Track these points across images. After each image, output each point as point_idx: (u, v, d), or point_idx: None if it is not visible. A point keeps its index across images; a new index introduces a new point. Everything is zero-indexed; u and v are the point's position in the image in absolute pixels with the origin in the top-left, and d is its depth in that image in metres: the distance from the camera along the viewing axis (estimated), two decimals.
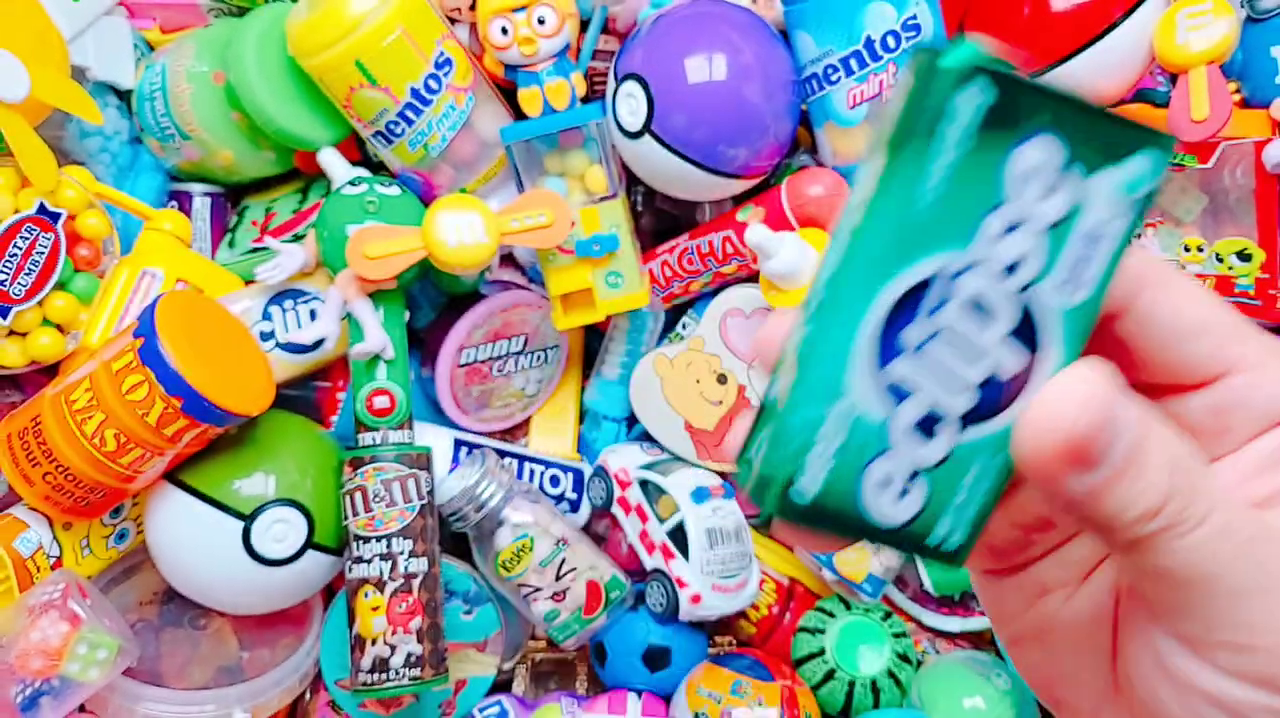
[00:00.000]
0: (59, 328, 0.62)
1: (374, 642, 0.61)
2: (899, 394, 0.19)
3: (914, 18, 0.64)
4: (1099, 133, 0.18)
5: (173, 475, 0.62)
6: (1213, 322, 0.21)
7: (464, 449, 0.73)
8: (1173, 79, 0.72)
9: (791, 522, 0.20)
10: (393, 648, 0.61)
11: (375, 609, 0.62)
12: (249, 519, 0.62)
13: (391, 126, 0.64)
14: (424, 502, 0.63)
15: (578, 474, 0.76)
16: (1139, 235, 0.17)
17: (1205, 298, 0.21)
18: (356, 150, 0.72)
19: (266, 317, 0.67)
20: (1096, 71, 0.70)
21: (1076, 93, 0.18)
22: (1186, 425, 0.21)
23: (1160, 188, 0.19)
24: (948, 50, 0.18)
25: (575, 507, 0.76)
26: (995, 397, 0.19)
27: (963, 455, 0.19)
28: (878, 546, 0.20)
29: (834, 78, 0.65)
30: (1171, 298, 0.21)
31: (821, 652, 0.71)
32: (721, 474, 0.74)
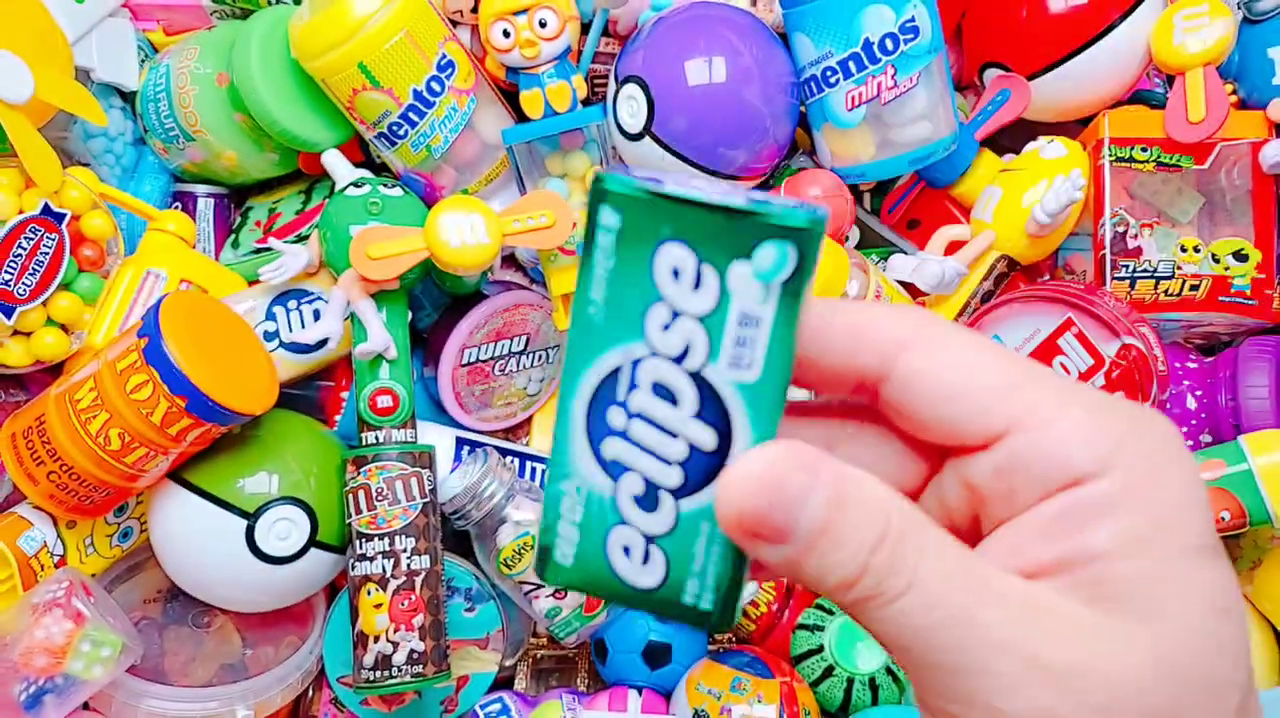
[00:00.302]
0: (63, 328, 0.62)
1: (376, 639, 0.62)
2: (616, 471, 0.21)
3: (912, 20, 0.64)
4: (722, 232, 0.20)
5: (177, 474, 0.63)
6: (981, 381, 0.21)
7: (466, 448, 0.73)
8: (1170, 80, 0.72)
9: (565, 586, 0.22)
10: (395, 645, 0.62)
11: (378, 607, 0.62)
12: (253, 517, 0.62)
13: (394, 128, 0.64)
14: (426, 500, 0.64)
15: None
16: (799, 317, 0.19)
17: (975, 356, 0.21)
18: (359, 152, 0.72)
19: (270, 317, 0.67)
20: (1093, 73, 0.70)
21: (701, 197, 0.20)
22: (973, 488, 0.21)
23: (808, 270, 0.20)
24: (607, 177, 0.20)
25: None
26: (701, 470, 0.21)
27: (687, 524, 0.21)
28: (641, 612, 0.22)
29: (832, 80, 0.66)
30: (934, 359, 0.21)
31: (820, 649, 0.71)
32: None
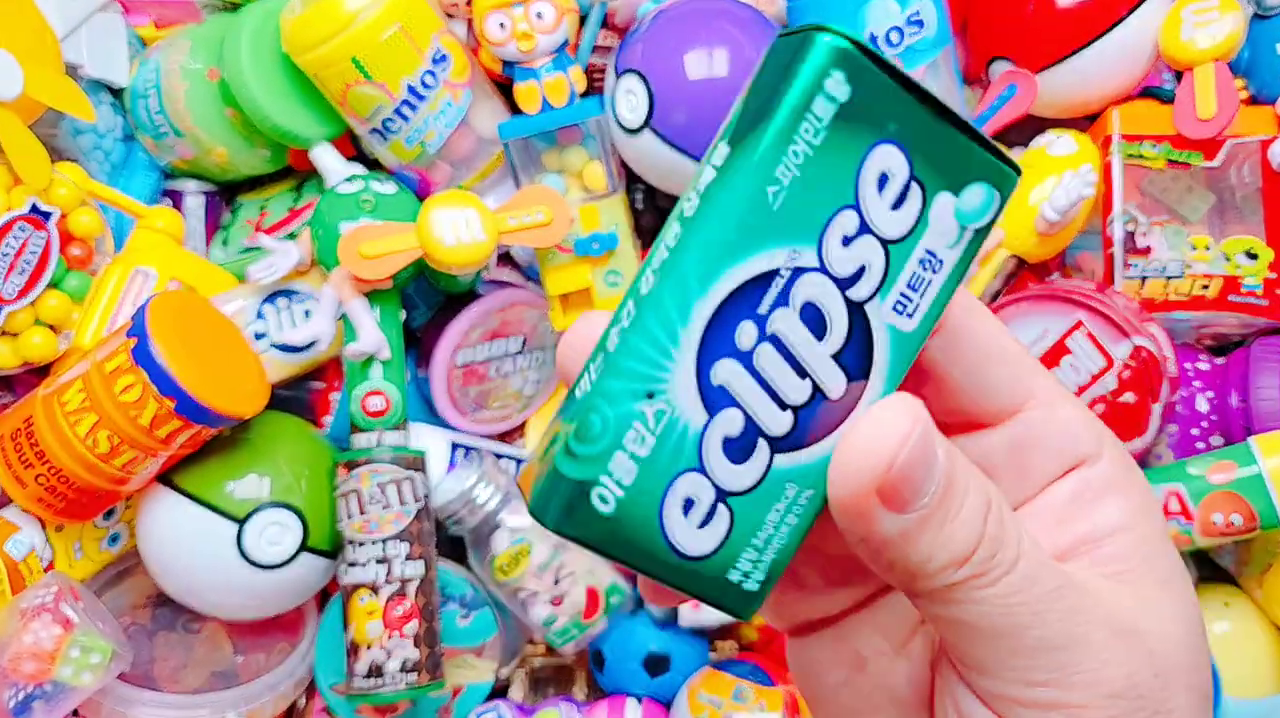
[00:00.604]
0: (51, 328, 0.62)
1: (369, 647, 0.61)
2: (718, 402, 0.17)
3: (917, 13, 0.63)
4: (946, 153, 0.18)
5: (165, 477, 0.62)
6: (1014, 350, 0.21)
7: (461, 451, 0.72)
8: (1178, 76, 0.71)
9: (579, 537, 0.18)
10: (388, 653, 0.61)
11: (370, 614, 0.61)
12: (242, 522, 0.61)
13: (388, 123, 0.64)
14: (420, 505, 0.63)
15: None
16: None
17: (1004, 328, 0.21)
18: (352, 147, 0.71)
19: (260, 316, 0.67)
20: (1101, 68, 0.69)
21: (944, 105, 0.17)
22: (987, 468, 0.21)
23: (991, 224, 0.18)
24: (811, 35, 0.17)
25: None
26: (811, 422, 0.18)
27: (773, 484, 0.18)
28: (670, 585, 0.18)
29: None
30: (983, 321, 0.21)
31: None
32: None
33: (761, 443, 0.18)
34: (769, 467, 0.18)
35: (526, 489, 0.19)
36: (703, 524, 0.18)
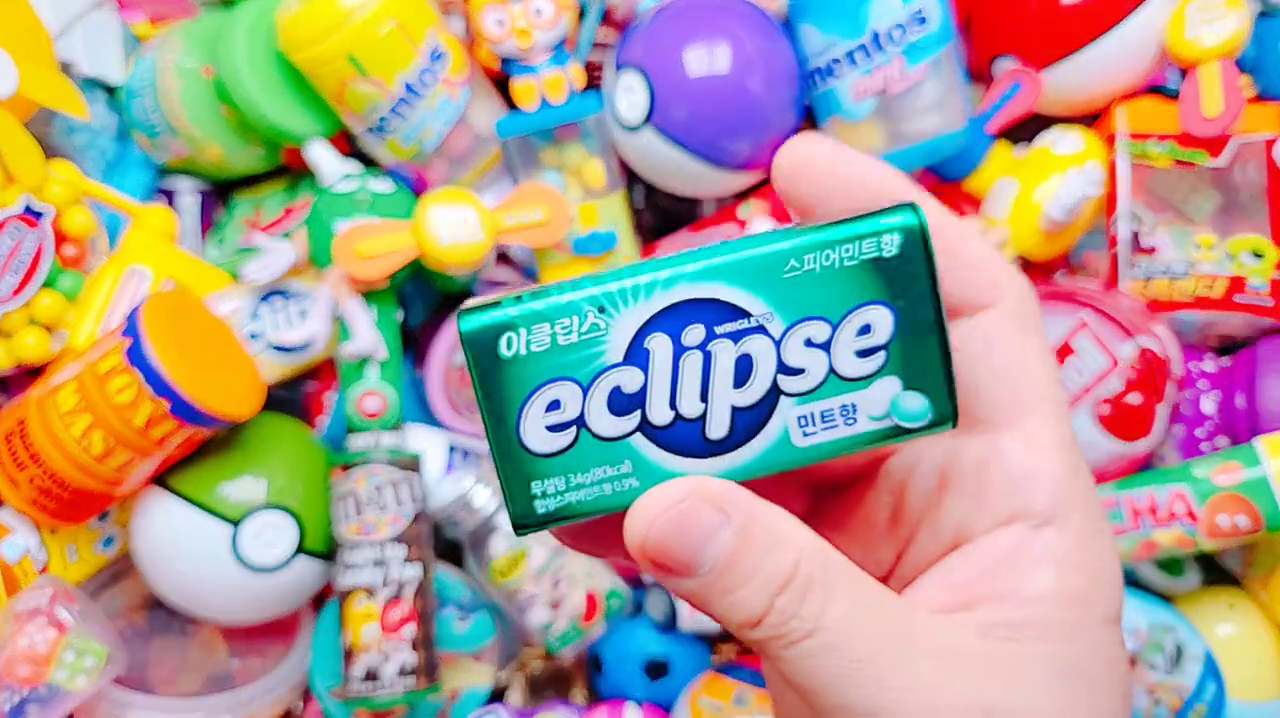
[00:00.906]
0: (46, 328, 0.61)
1: (366, 650, 0.61)
2: (636, 358, 0.20)
3: (920, 10, 0.63)
4: (927, 356, 0.20)
5: (159, 479, 0.62)
6: (1019, 370, 0.21)
7: (458, 453, 0.72)
8: (1184, 74, 0.71)
9: (469, 352, 0.20)
10: (385, 657, 0.61)
11: (367, 617, 0.61)
12: (237, 524, 0.61)
13: (384, 121, 0.63)
14: (417, 507, 0.63)
15: None
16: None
17: (1034, 342, 0.21)
18: (348, 145, 0.71)
19: (256, 316, 0.66)
20: (1106, 66, 0.69)
21: (947, 328, 0.20)
22: (953, 471, 0.22)
23: (910, 432, 0.20)
24: (907, 205, 0.20)
25: None
26: (679, 436, 0.20)
27: (619, 450, 0.20)
28: (490, 443, 0.21)
29: (839, 70, 0.65)
30: (1003, 325, 0.21)
31: None
32: None
33: (636, 413, 0.20)
34: (626, 435, 0.20)
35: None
36: (552, 428, 0.20)
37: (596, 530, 0.22)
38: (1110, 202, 0.70)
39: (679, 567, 0.19)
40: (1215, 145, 0.69)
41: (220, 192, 0.75)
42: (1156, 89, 0.73)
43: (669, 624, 0.70)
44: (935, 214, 0.21)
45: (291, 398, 0.71)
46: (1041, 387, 0.21)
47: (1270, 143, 0.69)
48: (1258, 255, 0.69)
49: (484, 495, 0.67)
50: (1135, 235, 0.69)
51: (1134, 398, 0.64)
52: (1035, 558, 0.21)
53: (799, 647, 0.19)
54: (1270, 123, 0.69)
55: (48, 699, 0.58)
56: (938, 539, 0.22)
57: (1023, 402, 0.21)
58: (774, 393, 0.20)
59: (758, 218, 0.68)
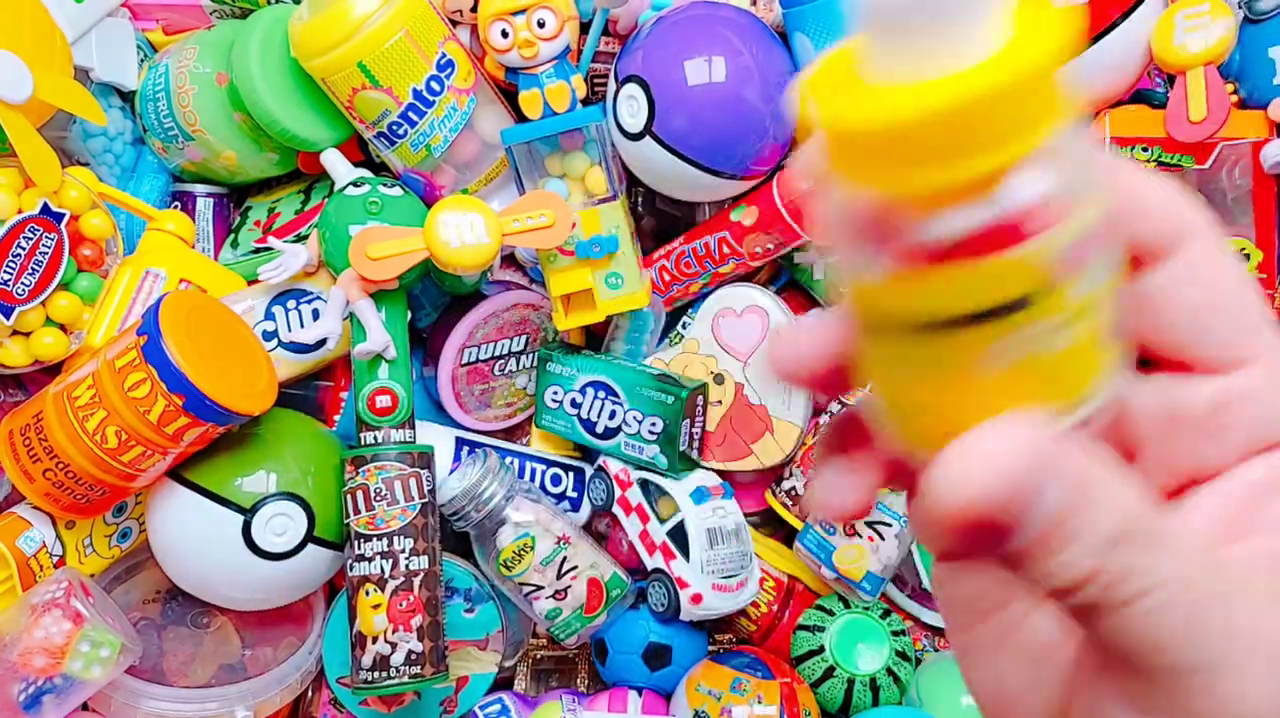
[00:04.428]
0: (62, 328, 0.62)
1: (375, 640, 0.62)
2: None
3: None
4: None
5: (174, 472, 0.62)
6: (1240, 302, 0.20)
7: (466, 448, 0.73)
8: (1170, 80, 0.72)
9: None
10: (394, 646, 0.62)
11: (376, 607, 0.62)
12: (249, 513, 0.62)
13: (394, 128, 0.64)
14: (425, 500, 0.64)
15: (579, 473, 0.76)
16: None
17: (1239, 272, 0.20)
18: (359, 151, 0.72)
19: (269, 316, 0.67)
20: (1094, 72, 0.70)
21: None
22: (1185, 414, 0.20)
23: None
24: None
25: (576, 505, 0.76)
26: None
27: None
28: None
29: None
30: (1211, 262, 0.19)
31: (821, 649, 0.71)
32: (721, 474, 0.74)
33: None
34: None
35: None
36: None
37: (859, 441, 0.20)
38: None
39: (1003, 528, 0.17)
40: (1201, 150, 0.70)
41: (235, 196, 0.76)
42: (1143, 96, 0.74)
43: (670, 614, 0.71)
44: (1115, 170, 0.19)
45: (305, 396, 0.72)
46: (1261, 312, 0.20)
47: (1256, 147, 0.70)
48: (1244, 257, 0.70)
49: (490, 489, 0.68)
50: None
51: None
52: None
53: (1139, 604, 0.17)
54: (1255, 128, 0.70)
55: (63, 689, 0.59)
56: (1173, 476, 0.20)
57: (1253, 330, 0.20)
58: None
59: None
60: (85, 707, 0.62)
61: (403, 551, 0.62)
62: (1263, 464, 0.19)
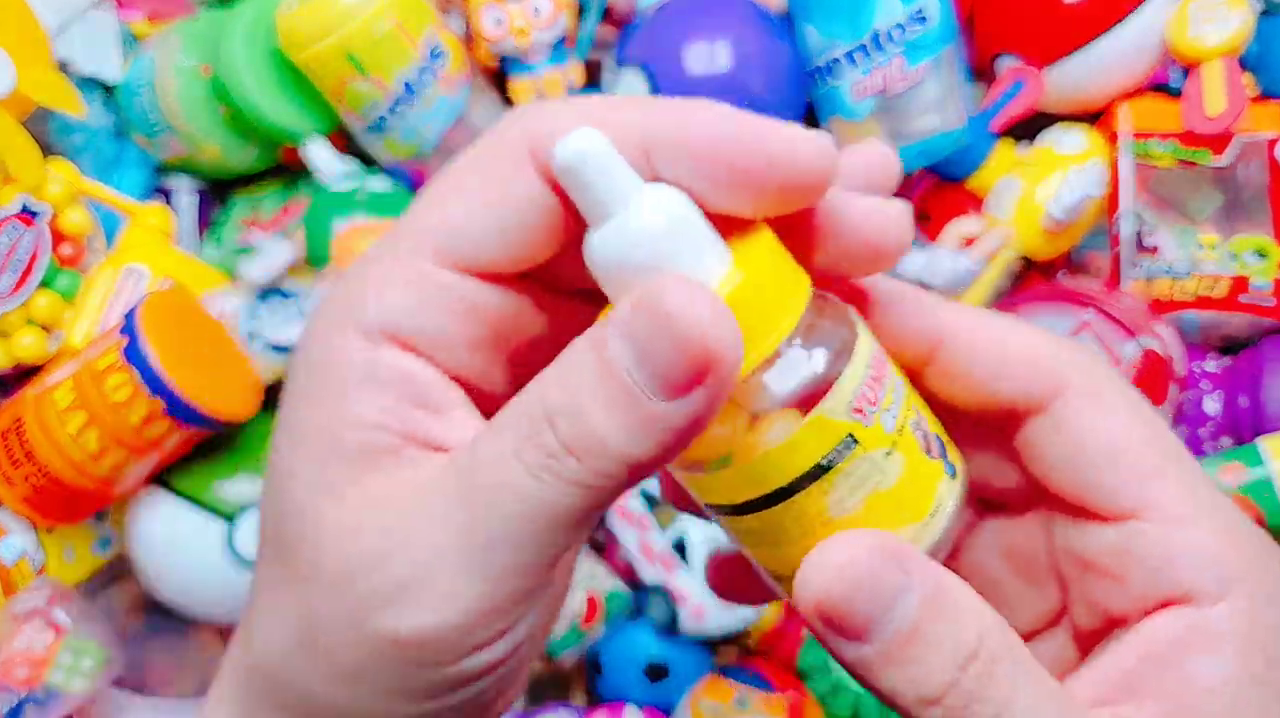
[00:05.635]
0: (43, 328, 0.61)
1: None
2: None
3: (920, 9, 0.63)
4: None
5: (156, 477, 0.61)
6: (1125, 455, 0.19)
7: None
8: (1186, 72, 0.71)
9: None
10: None
11: None
12: (232, 520, 0.60)
13: (383, 119, 0.63)
14: None
15: None
16: None
17: (1124, 419, 0.19)
18: (346, 144, 0.70)
19: (254, 315, 0.66)
20: (1108, 64, 0.69)
21: None
22: (1087, 562, 0.20)
23: None
24: None
25: None
26: None
27: None
28: None
29: (839, 70, 0.65)
30: (1081, 417, 0.19)
31: (827, 663, 0.70)
32: None
33: None
34: None
35: None
36: None
37: (747, 579, 0.21)
38: (1113, 201, 0.70)
39: (856, 630, 0.17)
40: (1218, 144, 0.69)
41: (218, 190, 0.75)
42: (1159, 87, 0.73)
43: (669, 627, 0.69)
44: (967, 325, 0.20)
45: None
46: (1151, 457, 0.19)
47: (1273, 142, 0.69)
48: (1261, 255, 0.69)
49: None
50: (1138, 235, 0.69)
51: None
52: (1202, 644, 0.18)
53: None
54: (1273, 122, 0.69)
55: (45, 701, 0.58)
56: (1094, 616, 0.21)
57: (1139, 480, 0.19)
58: None
59: None
60: None
61: None
62: (1167, 622, 0.19)
